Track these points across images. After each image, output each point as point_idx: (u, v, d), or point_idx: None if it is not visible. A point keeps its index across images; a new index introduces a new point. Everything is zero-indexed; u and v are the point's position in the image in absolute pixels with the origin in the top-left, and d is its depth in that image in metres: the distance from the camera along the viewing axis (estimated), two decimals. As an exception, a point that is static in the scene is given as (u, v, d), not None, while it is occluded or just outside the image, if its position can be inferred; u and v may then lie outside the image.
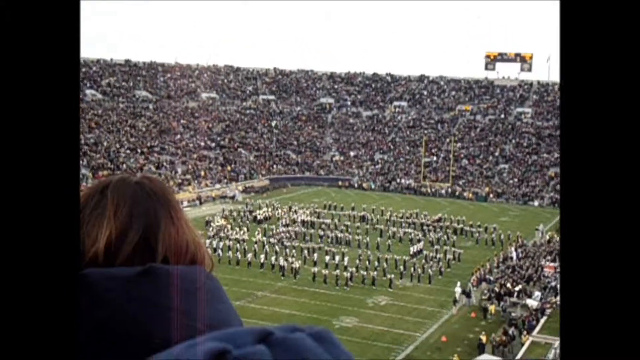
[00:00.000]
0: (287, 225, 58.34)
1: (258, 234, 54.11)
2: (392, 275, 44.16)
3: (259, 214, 62.43)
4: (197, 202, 70.58)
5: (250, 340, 0.93)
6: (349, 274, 43.92)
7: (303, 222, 59.62)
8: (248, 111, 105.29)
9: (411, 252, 50.39)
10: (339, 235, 54.81)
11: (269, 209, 64.29)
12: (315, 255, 48.31)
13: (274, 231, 55.49)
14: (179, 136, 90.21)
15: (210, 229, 55.02)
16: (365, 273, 44.41)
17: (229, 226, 56.95)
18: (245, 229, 55.82)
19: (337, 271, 44.62)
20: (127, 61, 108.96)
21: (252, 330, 0.97)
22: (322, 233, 55.15)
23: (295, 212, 63.32)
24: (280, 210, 64.25)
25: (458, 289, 40.53)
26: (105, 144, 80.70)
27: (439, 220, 62.21)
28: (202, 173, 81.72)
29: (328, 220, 60.25)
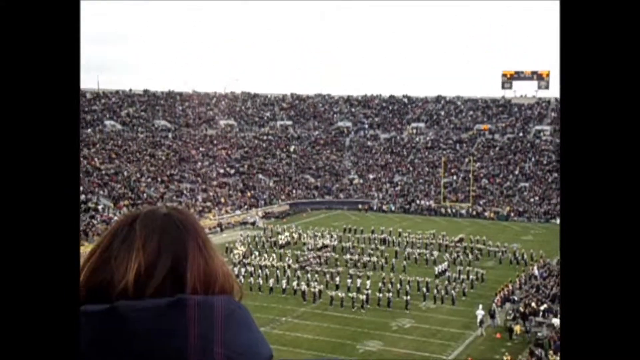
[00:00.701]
0: (311, 249, 58.28)
1: (280, 259, 54.11)
2: (409, 297, 43.87)
3: (281, 239, 62.44)
4: (218, 229, 70.75)
5: None
6: (364, 297, 43.76)
7: (328, 247, 59.59)
8: (266, 137, 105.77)
9: (436, 272, 50.16)
10: (362, 258, 54.62)
11: (290, 234, 64.27)
12: (338, 279, 48.20)
13: (299, 256, 55.41)
14: (198, 164, 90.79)
15: (232, 255, 55.08)
16: (389, 295, 44.17)
17: (250, 252, 56.98)
18: (265, 255, 55.87)
19: (354, 294, 44.45)
20: (146, 91, 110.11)
21: None
22: (345, 257, 55.04)
23: (322, 236, 63.22)
24: (304, 235, 64.18)
25: (480, 312, 40.14)
26: (125, 173, 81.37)
27: (461, 240, 61.85)
28: (222, 200, 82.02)
29: (349, 244, 60.15)
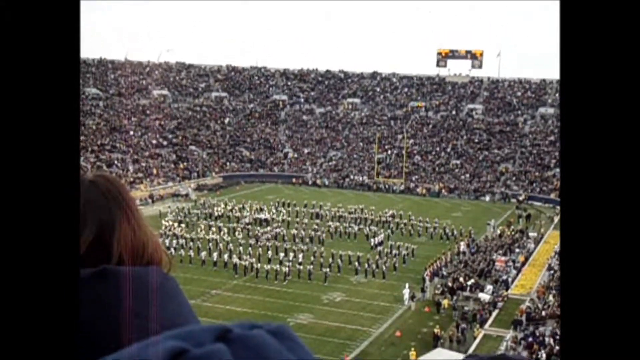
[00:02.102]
0: (249, 223, 58.04)
1: (211, 232, 53.71)
2: (328, 269, 44.51)
3: (216, 212, 61.88)
4: (150, 200, 69.69)
5: (209, 339, 0.91)
6: (287, 270, 44.19)
7: (260, 221, 59.50)
8: (200, 108, 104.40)
9: (372, 244, 50.89)
10: (299, 233, 54.73)
11: (224, 207, 63.79)
12: (270, 252, 48.21)
13: (235, 229, 55.03)
14: (130, 134, 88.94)
15: (163, 227, 54.39)
16: (324, 269, 44.40)
17: (181, 224, 56.39)
18: (199, 227, 55.40)
19: (284, 267, 44.57)
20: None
21: (210, 328, 0.95)
22: (278, 231, 55.02)
23: (260, 210, 62.95)
24: (237, 208, 63.77)
25: (406, 290, 40.72)
26: (54, 142, 79.09)
27: (393, 216, 62.58)
28: (154, 171, 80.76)
29: (286, 218, 60.19)
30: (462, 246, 52.45)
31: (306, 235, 54.13)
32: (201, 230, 54.20)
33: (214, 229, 54.87)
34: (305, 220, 59.29)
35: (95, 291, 1.28)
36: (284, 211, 63.33)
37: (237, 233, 53.81)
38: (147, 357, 0.89)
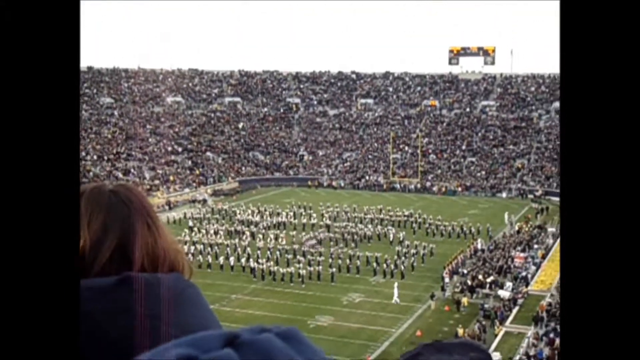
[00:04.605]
0: (268, 227, 58.13)
1: (231, 237, 53.88)
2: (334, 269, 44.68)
3: (237, 217, 61.98)
4: (167, 207, 70.03)
5: (217, 345, 0.92)
6: (305, 272, 44.22)
7: (278, 224, 59.60)
8: (214, 114, 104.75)
9: (397, 249, 50.71)
10: (318, 235, 54.73)
11: (242, 212, 63.93)
12: (290, 256, 48.28)
13: (254, 234, 55.17)
14: (145, 142, 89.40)
15: (183, 234, 54.64)
16: (342, 270, 44.41)
17: (199, 230, 56.59)
18: (215, 232, 55.57)
19: (304, 270, 44.63)
20: (90, 68, 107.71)
21: (219, 334, 0.95)
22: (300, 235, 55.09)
23: (278, 214, 63.05)
24: (252, 212, 63.89)
25: (395, 290, 40.72)
26: (70, 152, 79.68)
27: (410, 215, 62.49)
28: (171, 178, 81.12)
29: (304, 221, 60.24)
30: (479, 244, 52.21)
31: (338, 237, 54.09)
32: (218, 235, 54.35)
33: (232, 233, 55.04)
34: (329, 222, 59.33)
35: (118, 298, 1.29)
36: (303, 213, 63.42)
37: (256, 238, 53.92)
38: None
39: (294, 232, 55.34)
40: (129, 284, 1.31)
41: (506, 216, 61.69)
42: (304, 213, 64.03)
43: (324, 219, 60.69)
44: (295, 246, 50.62)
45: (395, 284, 41.54)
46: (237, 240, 52.78)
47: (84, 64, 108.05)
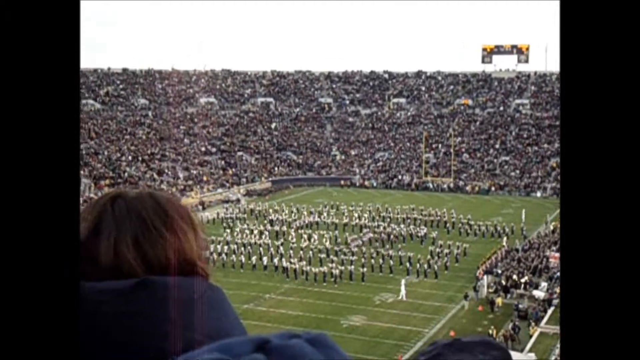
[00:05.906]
0: (300, 227, 58.31)
1: (264, 236, 54.16)
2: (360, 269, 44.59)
3: (271, 217, 62.32)
4: (200, 207, 70.60)
5: (248, 350, 0.93)
6: (338, 272, 44.26)
7: (310, 224, 59.75)
8: (247, 114, 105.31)
9: (430, 249, 50.53)
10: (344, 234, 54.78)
11: (276, 211, 64.24)
12: (323, 255, 48.37)
13: (285, 233, 55.38)
14: (179, 142, 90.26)
15: (217, 234, 55.04)
16: (374, 270, 44.36)
17: (234, 230, 56.95)
18: (249, 232, 55.86)
19: (337, 269, 44.64)
20: (125, 69, 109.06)
21: (249, 339, 0.96)
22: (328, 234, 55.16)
23: (311, 213, 63.26)
24: (287, 211, 64.17)
25: (403, 287, 40.83)
26: (105, 153, 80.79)
27: (443, 215, 62.20)
28: (204, 178, 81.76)
29: (335, 220, 60.34)
30: (515, 243, 51.76)
31: (376, 237, 54.11)
32: (252, 235, 54.61)
33: (265, 233, 55.30)
34: (364, 221, 59.34)
35: (137, 301, 1.29)
36: (336, 212, 63.49)
37: (289, 237, 54.13)
38: None
39: (326, 232, 55.34)
40: (148, 286, 1.31)
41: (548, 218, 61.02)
42: (336, 212, 64.06)
43: (362, 219, 60.61)
44: (329, 246, 50.69)
45: (403, 281, 41.47)
46: (270, 239, 53.01)
47: (119, 65, 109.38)
